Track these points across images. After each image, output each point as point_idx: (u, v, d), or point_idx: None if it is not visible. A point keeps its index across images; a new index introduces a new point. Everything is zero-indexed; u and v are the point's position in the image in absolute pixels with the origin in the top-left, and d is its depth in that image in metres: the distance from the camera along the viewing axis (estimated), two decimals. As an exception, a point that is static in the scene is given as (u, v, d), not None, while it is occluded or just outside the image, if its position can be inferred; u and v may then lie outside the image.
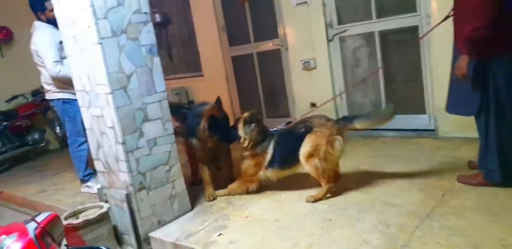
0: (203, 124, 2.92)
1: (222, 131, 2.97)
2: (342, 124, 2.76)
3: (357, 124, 2.74)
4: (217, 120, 2.95)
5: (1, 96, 5.73)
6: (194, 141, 3.06)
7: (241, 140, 2.86)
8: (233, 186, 3.06)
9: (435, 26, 2.89)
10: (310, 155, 2.68)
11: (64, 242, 1.52)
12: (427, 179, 2.90)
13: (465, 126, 3.65)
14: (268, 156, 2.83)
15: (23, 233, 1.21)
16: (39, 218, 1.35)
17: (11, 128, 5.56)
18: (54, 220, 1.38)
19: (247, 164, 2.92)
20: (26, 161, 5.72)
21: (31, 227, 1.28)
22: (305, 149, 2.70)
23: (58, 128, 6.11)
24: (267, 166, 2.85)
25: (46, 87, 3.60)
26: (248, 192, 3.03)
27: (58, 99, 3.56)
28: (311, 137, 2.70)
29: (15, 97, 5.80)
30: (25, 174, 5.02)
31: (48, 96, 3.66)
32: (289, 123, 3.01)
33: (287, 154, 2.81)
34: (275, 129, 2.94)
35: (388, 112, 2.82)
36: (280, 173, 2.88)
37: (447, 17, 2.77)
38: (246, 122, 2.83)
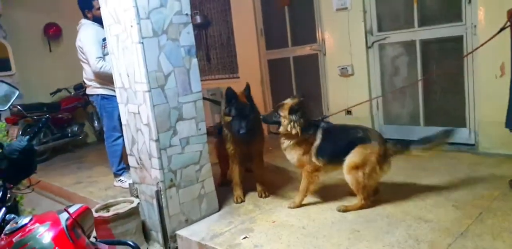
0: (225, 107, 2.88)
1: (248, 117, 2.85)
2: (399, 148, 2.71)
3: (414, 151, 2.69)
4: (244, 105, 2.88)
5: (47, 88, 6.03)
6: (226, 131, 3.04)
7: (283, 127, 2.70)
8: (302, 185, 2.83)
9: (489, 40, 2.76)
10: (355, 167, 2.62)
11: (94, 234, 1.56)
12: (463, 196, 2.78)
13: (508, 143, 3.51)
14: (316, 143, 2.72)
15: (55, 222, 1.25)
16: (72, 209, 1.38)
17: (53, 120, 5.79)
18: (85, 212, 1.41)
19: (297, 154, 2.76)
20: (65, 153, 5.96)
21: (64, 217, 1.31)
22: (353, 159, 2.63)
23: (96, 122, 6.32)
24: (317, 155, 2.72)
25: (88, 82, 3.74)
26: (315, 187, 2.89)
27: (98, 94, 3.69)
28: (364, 149, 2.62)
29: (59, 90, 6.08)
30: (63, 165, 5.23)
31: (88, 91, 3.80)
32: (324, 117, 3.04)
33: (335, 150, 2.72)
34: (320, 118, 2.87)
35: (446, 137, 2.73)
36: (325, 167, 2.77)
37: (502, 29, 2.65)
38: (293, 110, 2.67)
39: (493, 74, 3.51)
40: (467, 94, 3.82)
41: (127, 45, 2.56)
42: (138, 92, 2.57)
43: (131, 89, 2.64)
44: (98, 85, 3.65)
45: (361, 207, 2.70)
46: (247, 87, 3.00)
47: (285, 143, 2.78)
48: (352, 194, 2.79)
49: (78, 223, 1.35)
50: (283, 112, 2.70)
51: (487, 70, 3.56)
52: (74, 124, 6.11)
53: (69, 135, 6.01)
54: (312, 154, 2.72)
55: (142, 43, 2.45)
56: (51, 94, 6.03)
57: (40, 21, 6.06)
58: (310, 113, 2.81)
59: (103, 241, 1.60)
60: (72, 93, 6.13)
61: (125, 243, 1.56)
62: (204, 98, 2.88)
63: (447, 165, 3.45)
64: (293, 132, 2.66)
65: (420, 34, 4.02)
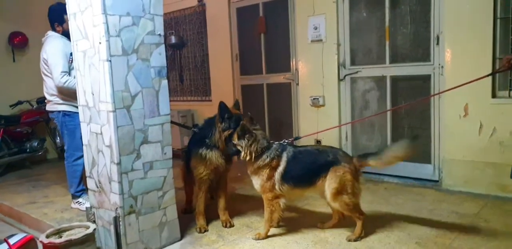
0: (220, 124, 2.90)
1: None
2: (362, 160, 2.70)
3: (372, 162, 2.67)
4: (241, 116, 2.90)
5: (7, 100, 5.71)
6: (204, 152, 2.96)
7: (242, 154, 2.68)
8: (266, 214, 2.75)
9: (470, 82, 2.85)
10: (338, 192, 2.59)
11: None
12: (426, 233, 2.78)
13: (470, 181, 3.61)
14: (281, 168, 2.66)
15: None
16: (13, 240, 1.26)
17: (11, 133, 5.51)
18: (28, 243, 1.29)
19: (261, 179, 2.69)
20: (21, 169, 5.62)
21: (2, 249, 1.19)
22: (332, 186, 2.60)
23: (58, 138, 6.04)
24: (282, 181, 2.66)
25: (48, 97, 3.55)
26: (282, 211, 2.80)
27: (59, 111, 3.50)
28: (338, 172, 2.60)
29: (20, 103, 5.78)
30: (17, 183, 4.92)
31: (49, 107, 3.61)
32: (296, 138, 3.06)
33: (303, 174, 2.68)
34: (284, 142, 2.80)
35: (402, 148, 2.67)
36: (293, 191, 2.72)
37: (493, 73, 2.84)
38: (239, 136, 2.66)
39: (457, 114, 3.64)
40: (433, 131, 3.91)
41: (94, 62, 2.47)
42: (102, 111, 2.46)
43: (94, 108, 2.53)
44: (61, 101, 3.47)
45: (363, 224, 2.70)
46: (237, 103, 3.12)
47: (249, 168, 2.75)
48: (315, 226, 2.78)
49: (20, 256, 1.23)
50: (235, 140, 2.69)
51: (452, 109, 3.68)
52: (34, 139, 5.80)
53: (28, 150, 5.70)
54: (276, 180, 2.67)
55: (110, 61, 2.37)
56: (10, 106, 5.72)
57: (5, 29, 5.80)
58: (260, 134, 2.74)
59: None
60: (34, 107, 5.85)
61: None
62: (172, 122, 2.80)
63: (411, 201, 3.48)
64: (247, 158, 2.66)
65: (391, 70, 4.14)
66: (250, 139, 2.64)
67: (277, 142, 2.77)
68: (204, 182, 3.00)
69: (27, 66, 5.80)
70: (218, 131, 2.90)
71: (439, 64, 3.78)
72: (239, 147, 2.67)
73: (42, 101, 5.82)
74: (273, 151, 2.68)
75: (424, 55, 3.93)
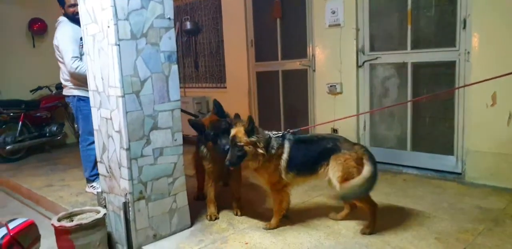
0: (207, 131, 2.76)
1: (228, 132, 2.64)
2: (362, 146, 2.63)
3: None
4: (219, 128, 2.72)
5: (27, 85, 5.80)
6: (204, 149, 2.90)
7: (250, 154, 2.51)
8: (275, 206, 2.71)
9: (497, 77, 2.65)
10: (343, 180, 2.49)
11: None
12: (446, 228, 2.65)
13: (496, 174, 3.45)
14: (285, 155, 2.59)
15: (-11, 239, 1.09)
16: (12, 224, 1.23)
17: (31, 118, 5.59)
18: (28, 228, 1.26)
19: (268, 172, 2.61)
20: (41, 153, 5.75)
21: (0, 233, 1.15)
22: (337, 174, 2.51)
23: (76, 123, 6.11)
24: (287, 169, 2.59)
25: (64, 83, 3.60)
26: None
27: (74, 96, 3.54)
28: (339, 160, 2.52)
29: (40, 88, 5.87)
30: (37, 166, 5.02)
31: (65, 92, 3.66)
32: (294, 131, 2.78)
33: (306, 162, 2.61)
34: (286, 132, 2.68)
35: None
36: (296, 180, 2.66)
37: None
38: (249, 132, 2.48)
39: (484, 103, 3.44)
40: (457, 121, 3.72)
41: (103, 46, 2.41)
42: (111, 96, 2.42)
43: (104, 93, 2.49)
44: (74, 86, 3.51)
45: (376, 215, 2.63)
46: (215, 105, 2.86)
47: (252, 164, 2.57)
48: (327, 217, 2.71)
49: (17, 240, 1.20)
50: (242, 140, 2.48)
51: (478, 98, 3.48)
52: (53, 124, 5.90)
53: (47, 134, 5.81)
54: (282, 168, 2.59)
55: (119, 45, 2.31)
56: (31, 91, 5.81)
57: (25, 16, 5.89)
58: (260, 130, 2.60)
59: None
60: (54, 92, 5.95)
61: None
62: (182, 111, 2.75)
63: (431, 193, 3.33)
64: (261, 151, 2.50)
65: (412, 56, 3.95)
66: (260, 133, 2.53)
67: (268, 132, 2.66)
68: (212, 172, 2.97)
69: (46, 52, 5.80)
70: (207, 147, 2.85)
71: (465, 50, 3.57)
72: (247, 147, 2.48)
73: (61, 86, 5.82)
74: (275, 141, 2.59)
75: (449, 40, 3.71)
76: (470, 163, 3.60)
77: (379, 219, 2.67)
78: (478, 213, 2.89)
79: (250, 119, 2.47)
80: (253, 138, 2.48)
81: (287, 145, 2.61)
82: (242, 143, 2.48)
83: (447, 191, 3.40)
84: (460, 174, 3.71)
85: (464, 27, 3.56)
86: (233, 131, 2.53)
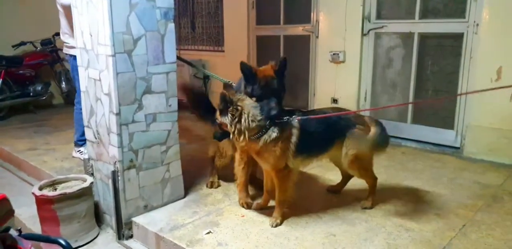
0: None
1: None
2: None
3: None
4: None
5: (9, 40, 5.40)
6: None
7: (232, 135, 2.12)
8: (278, 195, 2.32)
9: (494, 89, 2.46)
10: (357, 159, 2.34)
11: (17, 227, 1.25)
12: (447, 203, 2.60)
13: (495, 150, 3.41)
14: (295, 138, 2.20)
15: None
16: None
17: (13, 76, 5.29)
18: (-2, 202, 1.10)
19: (273, 155, 2.18)
20: (24, 113, 5.48)
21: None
22: (351, 152, 2.32)
23: (64, 83, 5.86)
24: (296, 152, 2.23)
25: (63, 39, 3.38)
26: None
27: (71, 55, 3.32)
28: (355, 137, 2.32)
29: (23, 43, 5.50)
30: (19, 127, 4.79)
31: (64, 50, 3.45)
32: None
33: (318, 141, 2.32)
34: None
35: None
36: (303, 162, 2.37)
37: None
38: (221, 110, 2.10)
39: (489, 77, 3.34)
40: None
41: (92, -2, 2.16)
42: (101, 55, 2.20)
43: (93, 51, 2.26)
44: (70, 45, 3.27)
45: (375, 188, 2.55)
46: (282, 62, 2.37)
47: (252, 148, 2.20)
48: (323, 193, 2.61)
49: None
50: (218, 118, 2.14)
51: (483, 72, 3.38)
52: (38, 83, 5.60)
53: (31, 94, 5.53)
54: (290, 152, 2.22)
55: (110, -3, 2.07)
56: (13, 46, 5.42)
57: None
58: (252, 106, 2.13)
59: (28, 235, 1.29)
60: (38, 48, 5.60)
61: (55, 241, 1.26)
62: (178, 58, 2.51)
63: (431, 168, 3.28)
64: (240, 138, 2.08)
65: (420, 26, 3.77)
66: (236, 113, 2.06)
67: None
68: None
69: (34, 6, 5.44)
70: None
71: (474, 22, 3.41)
72: (225, 128, 2.12)
73: (46, 43, 5.55)
74: (278, 123, 2.15)
75: (458, 11, 3.54)
76: (470, 138, 3.55)
77: (379, 194, 2.60)
78: (477, 188, 2.86)
79: (222, 97, 2.05)
80: (224, 119, 2.08)
81: (295, 125, 2.21)
82: (218, 121, 2.17)
83: (446, 165, 3.34)
84: (458, 148, 3.66)
85: (476, -2, 3.37)
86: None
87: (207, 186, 2.83)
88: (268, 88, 2.27)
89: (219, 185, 2.85)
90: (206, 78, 5.55)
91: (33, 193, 2.29)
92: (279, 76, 2.36)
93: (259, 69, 2.36)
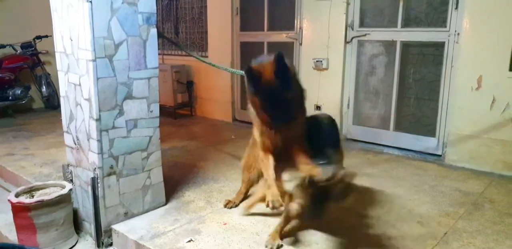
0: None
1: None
2: None
3: None
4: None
5: (-13, 42, 5.31)
6: None
7: None
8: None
9: None
10: None
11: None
12: (428, 211, 2.62)
13: (476, 158, 3.45)
14: None
15: None
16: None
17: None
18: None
19: None
20: (3, 117, 5.35)
21: None
22: None
23: (45, 86, 5.75)
24: None
25: None
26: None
27: None
28: None
29: (2, 46, 5.38)
30: (-3, 132, 4.66)
31: None
32: None
33: None
34: None
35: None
36: None
37: None
38: None
39: (469, 86, 3.40)
40: (441, 103, 3.66)
41: (73, 2, 2.12)
42: (81, 60, 2.16)
43: (73, 56, 2.22)
44: None
45: None
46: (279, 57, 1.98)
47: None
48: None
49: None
50: None
51: (464, 81, 3.43)
52: (17, 87, 5.47)
53: (10, 98, 5.39)
54: None
55: (91, 2, 2.04)
56: (-9, 49, 5.33)
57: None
58: None
59: (2, 245, 1.24)
60: (18, 52, 5.48)
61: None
62: (162, 36, 2.47)
63: (413, 175, 3.30)
64: None
65: (402, 35, 3.82)
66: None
67: None
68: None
69: (14, 8, 5.32)
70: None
71: (455, 31, 3.47)
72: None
73: (27, 46, 5.45)
74: None
75: (440, 20, 3.60)
76: (451, 145, 3.58)
77: (362, 201, 2.60)
78: (458, 196, 2.88)
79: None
80: None
81: None
82: None
83: (428, 172, 3.37)
84: (440, 156, 3.69)
85: (457, 7, 3.44)
86: None
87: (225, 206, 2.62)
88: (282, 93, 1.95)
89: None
90: (189, 83, 5.52)
91: (9, 200, 2.21)
92: (284, 77, 2.01)
93: (261, 66, 2.09)
